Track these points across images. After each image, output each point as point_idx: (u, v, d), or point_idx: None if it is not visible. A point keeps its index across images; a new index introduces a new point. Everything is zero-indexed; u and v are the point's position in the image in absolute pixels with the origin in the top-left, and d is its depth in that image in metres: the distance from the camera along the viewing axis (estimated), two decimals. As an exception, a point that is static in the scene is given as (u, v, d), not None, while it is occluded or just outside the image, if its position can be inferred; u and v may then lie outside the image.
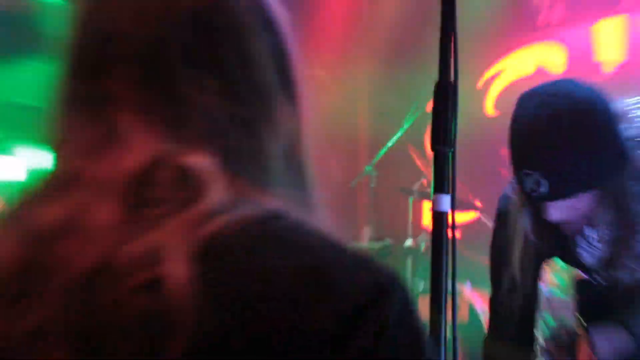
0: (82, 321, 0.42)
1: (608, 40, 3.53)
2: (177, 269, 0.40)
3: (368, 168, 3.81)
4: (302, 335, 0.41)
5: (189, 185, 0.45)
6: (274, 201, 0.48)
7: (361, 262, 0.45)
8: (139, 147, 0.47)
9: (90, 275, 0.42)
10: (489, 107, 4.01)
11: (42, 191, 0.50)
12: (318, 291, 0.42)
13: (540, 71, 3.74)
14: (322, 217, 0.53)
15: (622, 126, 1.21)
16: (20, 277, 0.45)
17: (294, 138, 0.54)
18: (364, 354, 0.41)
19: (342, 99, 4.06)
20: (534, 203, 1.27)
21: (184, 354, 0.39)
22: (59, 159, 0.51)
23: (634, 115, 1.24)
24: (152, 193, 0.45)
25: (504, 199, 1.42)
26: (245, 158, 0.50)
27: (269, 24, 0.54)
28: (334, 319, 0.41)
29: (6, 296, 0.45)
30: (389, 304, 0.43)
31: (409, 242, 3.43)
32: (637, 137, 1.23)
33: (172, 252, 0.41)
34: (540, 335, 1.28)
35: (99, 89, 0.49)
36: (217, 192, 0.45)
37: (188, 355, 0.40)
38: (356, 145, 4.65)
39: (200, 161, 0.46)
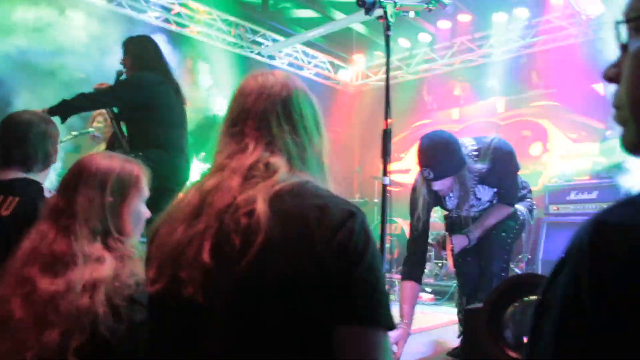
0: (219, 228, 1.00)
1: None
2: (261, 206, 0.97)
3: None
4: (317, 233, 0.95)
5: (270, 170, 1.05)
6: (308, 177, 1.08)
7: (344, 202, 1.02)
8: (253, 155, 1.08)
9: (225, 208, 1.01)
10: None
11: (208, 174, 1.14)
12: (322, 215, 0.97)
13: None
14: (330, 186, 1.13)
15: (462, 149, 2.85)
16: (196, 209, 1.06)
17: (321, 151, 1.19)
18: (342, 245, 0.95)
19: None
20: (427, 182, 2.90)
21: (263, 245, 0.95)
22: (215, 159, 1.15)
23: (466, 146, 2.87)
24: (254, 173, 1.05)
25: (416, 181, 3.06)
26: (298, 159, 1.11)
27: (311, 102, 1.21)
28: (329, 227, 0.96)
29: (190, 217, 1.06)
30: (355, 220, 0.98)
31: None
32: (468, 154, 2.86)
33: (259, 198, 0.98)
34: (429, 239, 2.99)
35: (239, 129, 1.15)
36: (282, 174, 1.04)
37: (265, 245, 0.95)
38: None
39: (277, 160, 1.07)
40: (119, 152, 3.80)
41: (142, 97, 3.53)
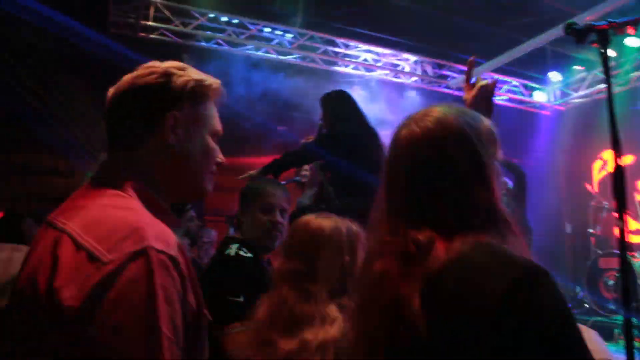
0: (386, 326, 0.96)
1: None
2: (416, 305, 0.89)
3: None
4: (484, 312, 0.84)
5: (423, 249, 0.93)
6: (474, 238, 0.92)
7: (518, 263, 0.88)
8: (401, 233, 0.99)
9: (386, 305, 0.96)
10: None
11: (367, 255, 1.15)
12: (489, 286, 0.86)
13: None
14: (510, 238, 0.96)
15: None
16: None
17: (490, 198, 0.99)
18: (514, 324, 0.81)
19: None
20: None
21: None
22: (369, 233, 1.17)
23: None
24: (408, 254, 0.95)
25: None
26: (458, 220, 0.96)
27: (469, 140, 1.02)
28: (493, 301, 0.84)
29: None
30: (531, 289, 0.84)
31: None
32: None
33: (414, 296, 0.90)
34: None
35: (385, 196, 1.10)
36: (437, 251, 0.92)
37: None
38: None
39: (428, 234, 0.95)
40: (326, 200, 4.09)
41: (341, 150, 3.73)
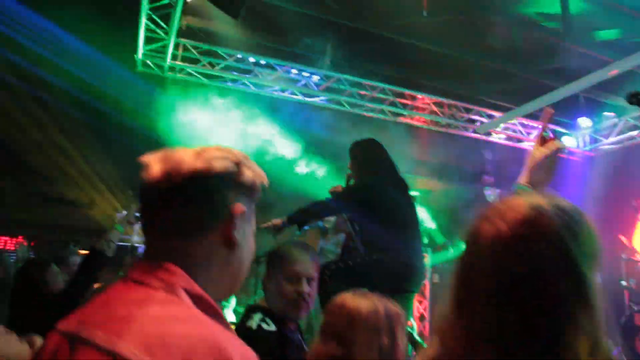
0: None
1: None
2: None
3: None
4: None
5: None
6: None
7: None
8: None
9: None
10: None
11: None
12: None
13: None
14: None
15: None
16: None
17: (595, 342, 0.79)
18: None
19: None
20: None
21: None
22: None
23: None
24: None
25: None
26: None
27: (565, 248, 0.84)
28: None
29: None
30: None
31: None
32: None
33: None
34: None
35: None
36: None
37: None
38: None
39: None
40: (352, 253, 3.95)
41: (369, 202, 3.60)
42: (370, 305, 1.63)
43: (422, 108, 7.12)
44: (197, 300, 0.92)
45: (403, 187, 3.75)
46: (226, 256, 1.01)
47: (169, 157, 0.98)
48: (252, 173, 1.04)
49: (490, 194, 8.59)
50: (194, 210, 0.96)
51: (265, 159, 6.86)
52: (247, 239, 1.05)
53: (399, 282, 3.60)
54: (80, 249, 8.71)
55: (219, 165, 0.99)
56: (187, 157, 0.98)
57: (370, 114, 6.91)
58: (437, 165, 8.05)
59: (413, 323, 4.17)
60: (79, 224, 8.84)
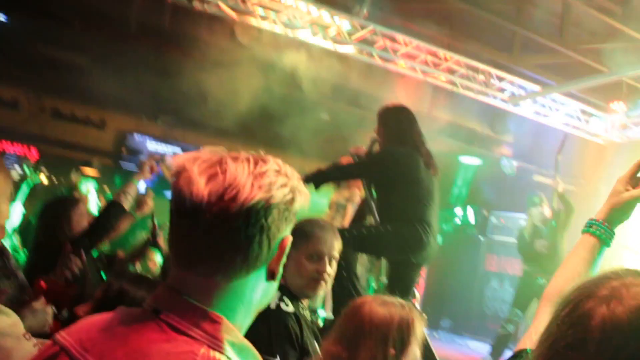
0: None
1: None
2: None
3: None
4: None
5: None
6: None
7: None
8: None
9: None
10: None
11: None
12: None
13: None
14: None
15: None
16: None
17: None
18: None
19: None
20: None
21: None
22: None
23: None
24: None
25: None
26: None
27: None
28: None
29: None
30: None
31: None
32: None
33: None
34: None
35: None
36: None
37: None
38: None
39: None
40: (368, 219, 3.86)
41: (390, 172, 3.49)
42: (384, 313, 1.61)
43: (454, 70, 6.84)
44: (240, 350, 0.82)
45: (428, 160, 3.62)
46: (265, 288, 0.91)
47: (219, 176, 0.81)
48: (302, 199, 0.90)
49: (507, 164, 8.43)
50: (247, 247, 0.82)
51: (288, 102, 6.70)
52: (289, 265, 0.95)
53: (408, 255, 3.54)
54: (92, 167, 8.75)
55: (280, 194, 0.84)
56: (243, 181, 0.81)
57: (401, 70, 6.65)
58: (457, 128, 7.87)
59: (417, 294, 4.14)
60: (89, 143, 8.78)
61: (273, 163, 0.88)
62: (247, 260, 0.83)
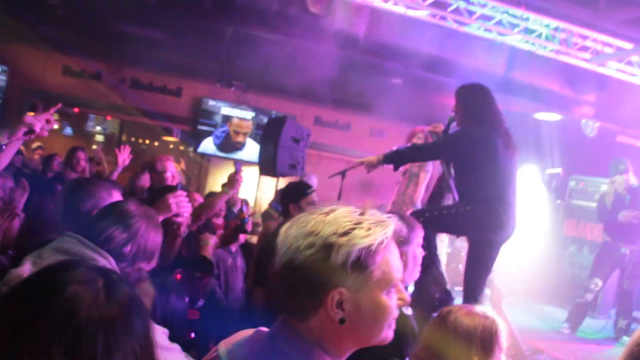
0: None
1: None
2: None
3: None
4: None
5: None
6: None
7: None
8: None
9: None
10: None
11: None
12: None
13: None
14: None
15: None
16: None
17: None
18: None
19: None
20: None
21: None
22: None
23: None
24: None
25: None
26: None
27: None
28: None
29: None
30: None
31: None
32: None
33: None
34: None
35: None
36: None
37: None
38: None
39: None
40: (447, 197, 3.87)
41: (468, 153, 3.48)
42: (469, 323, 1.67)
43: (532, 30, 6.51)
44: None
45: (507, 140, 3.57)
46: (340, 332, 1.04)
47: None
48: (347, 250, 1.01)
49: (587, 125, 8.06)
50: (298, 294, 1.04)
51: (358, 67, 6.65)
52: (366, 308, 1.04)
53: (488, 234, 3.56)
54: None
55: (305, 253, 1.02)
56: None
57: (476, 33, 6.41)
58: (536, 90, 7.55)
59: (494, 272, 4.15)
60: (167, 110, 9.13)
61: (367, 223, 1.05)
62: (302, 303, 1.06)
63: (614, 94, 7.45)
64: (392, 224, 1.06)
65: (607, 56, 6.78)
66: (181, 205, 2.37)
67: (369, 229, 1.02)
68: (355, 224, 1.02)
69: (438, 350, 1.63)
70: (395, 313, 1.09)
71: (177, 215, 2.44)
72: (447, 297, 3.24)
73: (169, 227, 2.65)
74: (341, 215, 1.04)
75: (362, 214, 1.06)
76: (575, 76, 7.45)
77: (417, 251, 2.24)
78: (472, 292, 3.48)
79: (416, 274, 2.21)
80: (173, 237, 2.68)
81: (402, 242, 2.25)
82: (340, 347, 1.05)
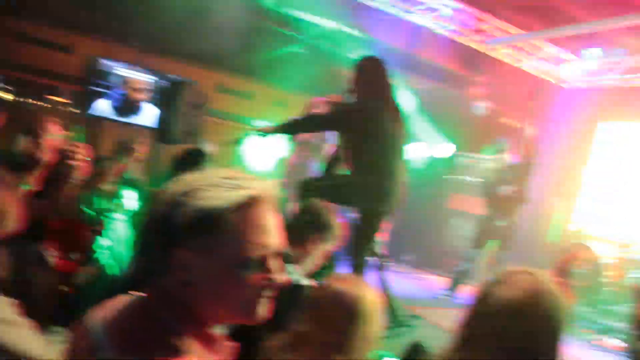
0: None
1: None
2: None
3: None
4: None
5: None
6: None
7: None
8: None
9: None
10: None
11: None
12: None
13: None
14: None
15: None
16: None
17: None
18: None
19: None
20: None
21: None
22: None
23: None
24: None
25: None
26: None
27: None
28: None
29: None
30: None
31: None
32: None
33: None
34: None
35: None
36: None
37: None
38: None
39: None
40: (340, 168, 3.98)
41: (358, 125, 3.59)
42: (336, 293, 1.68)
43: (434, 9, 6.77)
44: None
45: (397, 115, 3.73)
46: (196, 298, 1.02)
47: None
48: (192, 210, 1.00)
49: (478, 105, 8.54)
50: (150, 255, 1.03)
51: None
52: (214, 277, 0.99)
53: (374, 205, 3.72)
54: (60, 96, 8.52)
55: (155, 208, 1.02)
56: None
57: (380, 7, 6.54)
58: (436, 68, 7.88)
59: (380, 239, 4.35)
60: (56, 68, 8.50)
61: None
62: (155, 264, 1.03)
63: (502, 77, 7.95)
64: (259, 189, 0.99)
65: (499, 40, 7.20)
66: (73, 150, 2.23)
67: (226, 190, 0.96)
68: (211, 184, 0.97)
69: (341, 328, 1.63)
70: (256, 291, 1.00)
71: (68, 157, 2.29)
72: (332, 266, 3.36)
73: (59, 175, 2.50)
74: (202, 176, 0.99)
75: (229, 177, 1.00)
76: (470, 57, 7.85)
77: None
78: (356, 261, 3.65)
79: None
80: (61, 183, 2.51)
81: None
82: (196, 315, 0.99)
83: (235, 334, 1.11)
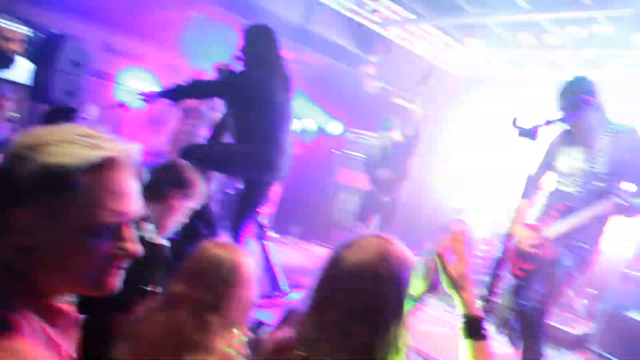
0: None
1: None
2: None
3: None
4: None
5: None
6: None
7: None
8: None
9: None
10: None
11: None
12: None
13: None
14: None
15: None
16: None
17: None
18: None
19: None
20: None
21: None
22: None
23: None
24: None
25: None
26: None
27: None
28: None
29: None
30: None
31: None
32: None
33: None
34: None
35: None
36: None
37: None
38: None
39: None
40: (223, 136, 3.92)
41: (248, 94, 3.57)
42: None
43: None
44: None
45: (285, 84, 3.75)
46: (39, 261, 0.95)
47: None
48: (35, 166, 0.90)
49: (370, 83, 8.76)
50: None
51: None
52: (61, 241, 0.92)
53: (259, 175, 3.73)
54: None
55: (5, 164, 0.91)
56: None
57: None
58: (330, 44, 7.94)
59: (266, 210, 4.39)
60: None
61: None
62: None
63: (394, 58, 8.21)
64: (118, 150, 0.92)
65: (393, 22, 7.40)
66: None
67: (80, 148, 0.88)
68: (63, 140, 0.88)
69: (217, 289, 1.65)
70: (106, 261, 0.94)
71: None
72: (213, 233, 3.35)
73: None
74: (55, 130, 0.90)
75: (86, 135, 0.90)
76: (364, 36, 8.01)
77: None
78: (237, 229, 3.66)
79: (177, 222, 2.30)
80: None
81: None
82: (35, 285, 0.90)
83: (84, 304, 1.04)
